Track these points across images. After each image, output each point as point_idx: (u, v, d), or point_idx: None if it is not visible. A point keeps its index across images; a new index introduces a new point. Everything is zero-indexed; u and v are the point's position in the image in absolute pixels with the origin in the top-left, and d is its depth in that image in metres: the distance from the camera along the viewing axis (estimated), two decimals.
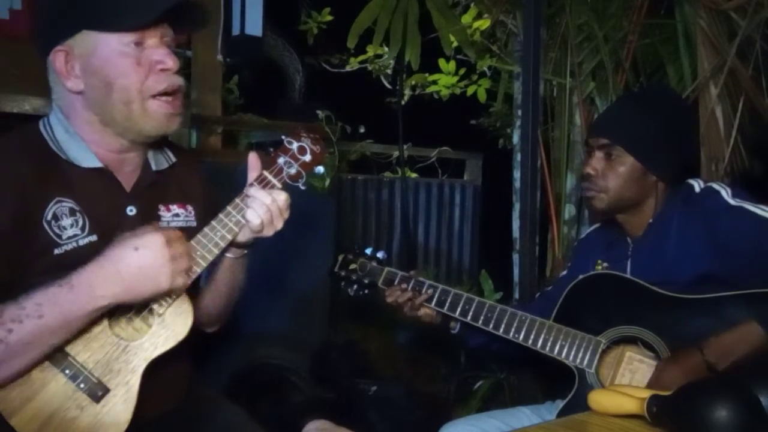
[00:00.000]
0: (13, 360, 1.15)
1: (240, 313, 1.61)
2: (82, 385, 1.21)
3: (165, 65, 1.29)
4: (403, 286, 1.83)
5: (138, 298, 1.20)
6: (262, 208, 1.32)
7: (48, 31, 1.30)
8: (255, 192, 1.33)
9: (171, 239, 1.20)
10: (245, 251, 1.45)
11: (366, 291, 1.90)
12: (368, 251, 1.91)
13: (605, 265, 1.76)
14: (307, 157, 1.40)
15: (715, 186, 1.63)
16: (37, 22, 1.35)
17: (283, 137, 1.40)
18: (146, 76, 1.28)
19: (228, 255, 1.43)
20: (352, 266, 1.90)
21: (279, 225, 1.35)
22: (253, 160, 1.37)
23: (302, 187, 1.40)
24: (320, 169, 1.46)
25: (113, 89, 1.27)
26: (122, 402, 1.22)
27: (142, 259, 1.17)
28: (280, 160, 1.37)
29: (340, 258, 1.92)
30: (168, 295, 1.24)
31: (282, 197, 1.34)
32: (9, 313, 1.14)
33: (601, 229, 1.85)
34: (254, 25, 3.02)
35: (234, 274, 1.48)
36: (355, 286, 1.90)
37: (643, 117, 1.68)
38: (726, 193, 1.59)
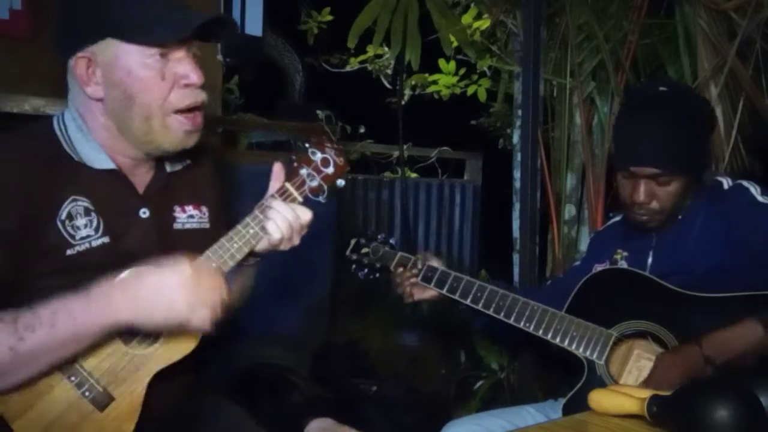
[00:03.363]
0: (21, 369, 1.13)
1: (240, 313, 1.61)
2: (87, 393, 1.19)
3: (189, 80, 1.24)
4: (415, 271, 1.82)
5: (150, 322, 1.15)
6: (284, 222, 1.27)
7: (72, 35, 1.24)
8: (278, 206, 1.28)
9: (201, 269, 1.16)
10: (258, 260, 1.41)
11: (377, 275, 1.90)
12: (381, 237, 1.91)
13: (625, 254, 1.76)
14: (330, 170, 1.33)
15: (745, 183, 1.64)
16: (61, 25, 1.28)
17: (306, 145, 1.34)
18: (169, 90, 1.23)
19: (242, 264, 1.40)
20: (365, 250, 1.89)
21: (296, 241, 1.31)
22: (278, 170, 1.32)
23: (322, 201, 1.34)
24: (341, 182, 1.39)
25: (134, 103, 1.22)
26: (126, 411, 1.21)
27: (162, 280, 1.14)
28: (303, 172, 1.31)
29: (353, 242, 1.91)
30: (188, 327, 1.17)
31: (307, 216, 1.30)
32: (23, 320, 1.11)
33: (624, 221, 1.84)
34: (254, 25, 3.02)
35: (245, 282, 1.46)
36: (366, 270, 1.90)
37: (679, 133, 1.63)
38: (755, 190, 1.60)
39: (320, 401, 2.06)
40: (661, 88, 1.76)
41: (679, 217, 1.69)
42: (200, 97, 1.27)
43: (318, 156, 1.33)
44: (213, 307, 1.17)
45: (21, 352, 1.11)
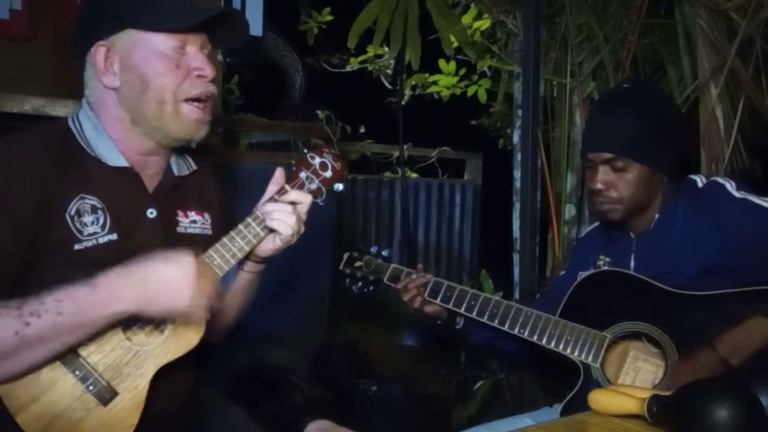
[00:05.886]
0: (27, 354, 1.15)
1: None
2: (91, 387, 1.20)
3: (203, 71, 1.32)
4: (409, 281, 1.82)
5: (155, 311, 1.19)
6: (289, 217, 1.32)
7: (93, 25, 1.31)
8: (279, 206, 1.33)
9: (201, 265, 1.20)
10: (263, 266, 1.45)
11: (371, 288, 1.91)
12: (374, 249, 1.92)
13: (607, 260, 1.76)
14: (329, 173, 1.40)
15: (720, 180, 1.64)
16: (82, 17, 1.36)
17: (306, 150, 1.41)
18: (183, 79, 1.30)
19: (246, 270, 1.43)
20: (358, 264, 1.90)
21: (303, 230, 1.36)
22: (279, 175, 1.37)
23: (321, 203, 1.39)
24: (339, 186, 1.45)
25: (149, 87, 1.28)
26: (129, 406, 1.22)
27: (168, 272, 1.17)
28: (302, 175, 1.37)
29: (346, 256, 1.92)
30: (186, 317, 1.22)
31: (308, 200, 1.36)
32: (29, 306, 1.13)
33: (602, 227, 1.85)
34: (254, 25, 3.02)
35: (251, 289, 1.48)
36: (360, 284, 1.90)
37: (636, 120, 1.66)
38: (731, 186, 1.60)
39: (319, 401, 2.06)
40: (625, 85, 1.81)
41: (656, 216, 1.69)
42: (211, 88, 1.34)
43: (317, 160, 1.39)
44: (209, 302, 1.21)
45: (26, 337, 1.12)
